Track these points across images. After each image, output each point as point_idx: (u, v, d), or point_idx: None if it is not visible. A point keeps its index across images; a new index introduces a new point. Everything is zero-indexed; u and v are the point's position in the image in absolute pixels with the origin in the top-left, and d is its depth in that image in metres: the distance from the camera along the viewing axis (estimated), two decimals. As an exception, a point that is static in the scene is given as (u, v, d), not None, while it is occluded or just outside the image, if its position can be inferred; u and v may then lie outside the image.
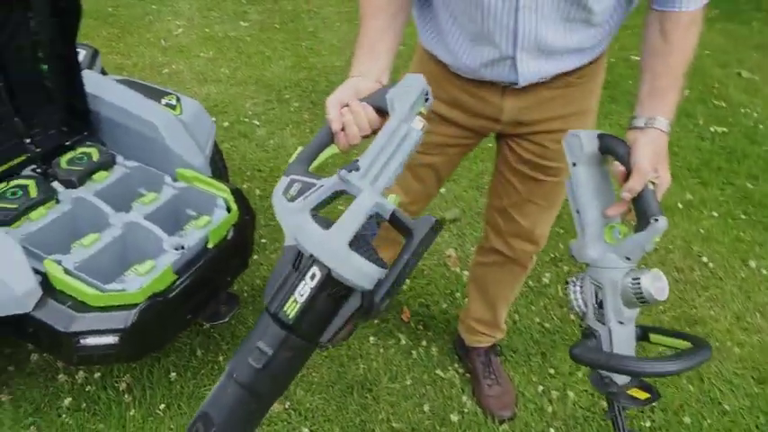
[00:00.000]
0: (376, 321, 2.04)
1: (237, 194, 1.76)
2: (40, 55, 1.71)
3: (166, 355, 1.85)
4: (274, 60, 3.57)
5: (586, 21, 1.17)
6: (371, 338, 1.99)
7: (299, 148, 1.00)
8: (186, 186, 1.76)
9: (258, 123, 3.00)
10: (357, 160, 0.94)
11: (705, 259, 2.41)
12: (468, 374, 1.91)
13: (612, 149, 1.07)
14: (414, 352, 1.96)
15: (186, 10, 4.07)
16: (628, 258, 1.01)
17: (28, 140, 1.71)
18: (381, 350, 1.96)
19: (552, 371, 1.94)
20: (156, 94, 1.93)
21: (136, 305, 1.44)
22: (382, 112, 0.99)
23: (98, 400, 1.72)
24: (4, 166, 1.67)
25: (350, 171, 0.92)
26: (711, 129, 3.24)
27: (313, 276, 0.88)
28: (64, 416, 1.68)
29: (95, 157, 1.79)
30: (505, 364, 1.95)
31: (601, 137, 1.08)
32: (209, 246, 1.63)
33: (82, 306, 1.43)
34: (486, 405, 1.82)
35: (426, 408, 1.80)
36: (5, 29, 1.59)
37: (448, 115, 1.44)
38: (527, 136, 1.44)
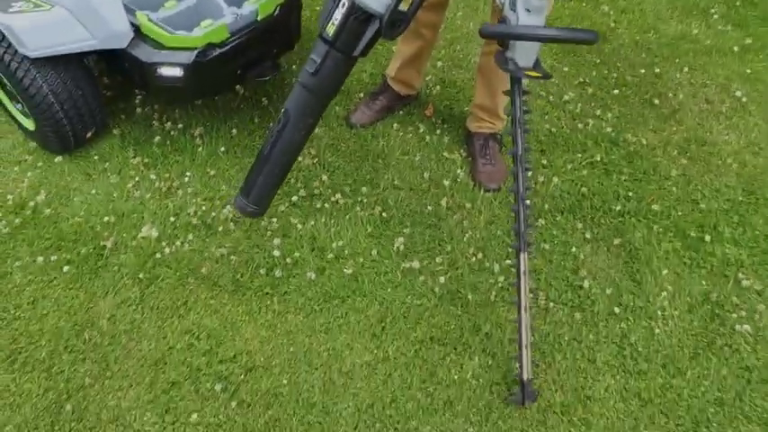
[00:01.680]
0: (401, 113, 2.39)
1: (288, -15, 2.15)
2: None
3: (231, 118, 2.36)
4: None
5: None
6: (395, 125, 2.35)
7: None
8: (248, -26, 2.17)
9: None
10: None
11: (739, 94, 2.44)
12: (469, 158, 2.22)
13: None
14: (428, 137, 2.30)
15: None
16: None
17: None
18: (401, 134, 2.32)
19: (545, 162, 2.19)
20: None
21: (196, 48, 1.91)
22: None
23: (178, 141, 2.27)
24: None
25: None
26: (808, -17, 3.04)
27: (343, 5, 1.31)
28: (154, 147, 2.25)
29: (184, -52, 2.24)
30: (505, 156, 2.23)
31: None
32: (259, 18, 2.05)
33: (159, 45, 1.92)
34: (477, 179, 2.14)
35: (426, 175, 2.16)
36: None
37: None
38: None
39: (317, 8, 2.86)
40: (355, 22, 1.34)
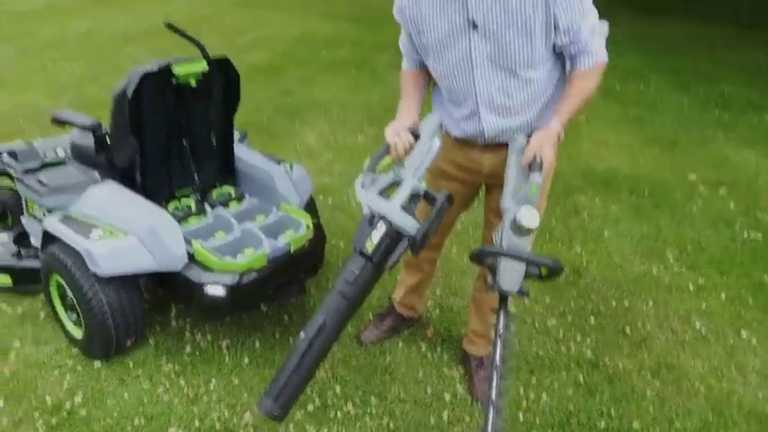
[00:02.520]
0: (405, 332, 2.71)
1: (316, 224, 2.63)
2: (211, 127, 2.77)
3: (255, 333, 2.66)
4: (377, 163, 4.57)
5: (524, 84, 1.89)
6: (400, 343, 2.65)
7: (368, 159, 1.85)
8: (284, 214, 2.66)
9: (354, 204, 3.93)
10: (404, 162, 1.79)
11: (698, 325, 2.80)
12: (467, 376, 2.48)
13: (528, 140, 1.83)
14: (429, 355, 2.59)
15: (320, 126, 5.31)
16: (518, 203, 1.69)
17: (195, 177, 2.73)
18: (405, 351, 2.61)
19: (534, 381, 2.45)
20: (278, 161, 2.92)
21: (239, 272, 2.30)
22: (416, 137, 1.84)
23: (206, 351, 2.54)
24: (180, 192, 2.70)
25: (400, 167, 1.76)
26: (745, 234, 3.62)
27: (380, 227, 1.70)
28: (185, 356, 2.51)
29: (233, 193, 2.78)
30: (499, 373, 2.50)
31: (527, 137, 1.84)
32: (291, 250, 2.48)
33: (208, 268, 2.31)
34: (474, 393, 2.37)
35: (429, 390, 2.40)
36: (196, 110, 2.67)
37: (451, 172, 2.21)
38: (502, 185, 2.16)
39: (334, 242, 3.35)
40: (390, 241, 1.69)
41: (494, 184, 2.17)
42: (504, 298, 1.73)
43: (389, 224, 1.69)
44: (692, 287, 3.10)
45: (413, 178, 1.76)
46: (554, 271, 1.62)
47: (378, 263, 1.71)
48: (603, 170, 4.52)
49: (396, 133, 1.86)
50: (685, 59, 8.08)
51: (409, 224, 1.68)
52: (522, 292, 1.66)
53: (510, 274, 1.67)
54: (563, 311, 2.90)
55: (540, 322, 2.81)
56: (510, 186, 1.78)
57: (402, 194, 1.71)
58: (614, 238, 3.59)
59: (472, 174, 2.16)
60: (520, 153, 1.82)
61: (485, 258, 1.69)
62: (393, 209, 1.69)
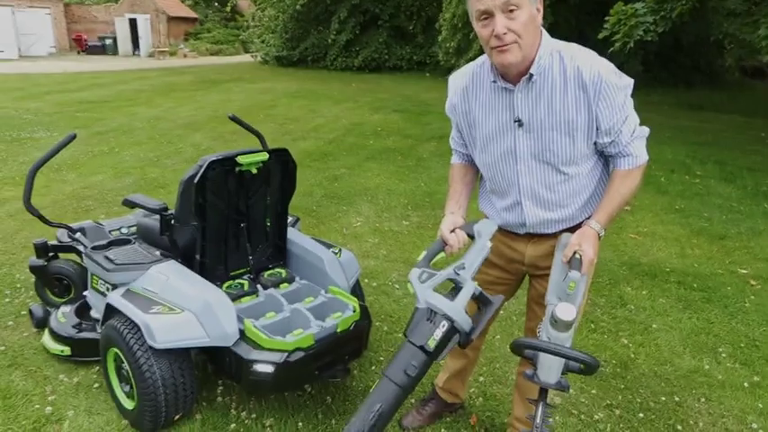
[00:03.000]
0: (448, 419, 2.68)
1: (362, 307, 2.71)
2: (267, 212, 2.94)
3: (298, 413, 2.68)
4: (422, 247, 4.67)
5: (566, 179, 1.98)
6: (443, 430, 2.62)
7: (424, 252, 1.95)
8: (332, 296, 2.75)
9: (398, 287, 4.00)
10: (463, 262, 1.87)
11: (755, 426, 2.68)
12: (511, 466, 2.43)
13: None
14: (472, 443, 2.55)
15: (366, 211, 5.49)
16: (559, 298, 1.74)
17: (250, 259, 2.88)
18: (448, 438, 2.58)
19: (581, 476, 2.38)
20: (327, 245, 3.06)
21: (287, 351, 2.37)
22: (470, 236, 1.93)
23: (250, 429, 2.57)
24: (234, 272, 2.84)
25: (460, 268, 1.85)
26: (802, 332, 3.49)
27: (444, 325, 1.77)
28: (229, 433, 2.56)
29: (284, 275, 2.90)
30: (544, 467, 2.43)
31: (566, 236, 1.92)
32: (338, 330, 2.55)
33: (258, 346, 2.40)
34: (518, 486, 2.31)
35: (471, 480, 2.35)
36: (257, 198, 2.85)
37: (495, 261, 2.28)
38: (545, 276, 2.21)
39: (378, 324, 3.41)
40: (446, 337, 1.75)
41: (535, 274, 2.23)
42: (543, 390, 1.75)
43: (452, 322, 1.75)
44: (746, 384, 2.99)
45: (472, 282, 1.83)
46: (591, 367, 1.64)
47: (433, 357, 1.76)
48: (649, 262, 4.48)
49: (447, 229, 1.97)
50: (730, 152, 8.09)
51: (467, 323, 1.75)
52: (561, 386, 1.68)
53: (548, 368, 1.70)
54: (610, 404, 2.82)
55: (587, 415, 2.74)
56: (552, 282, 1.84)
57: (464, 298, 1.78)
58: (663, 330, 3.52)
59: (514, 263, 2.22)
60: (563, 250, 1.89)
61: (523, 350, 1.73)
62: (458, 310, 1.75)
